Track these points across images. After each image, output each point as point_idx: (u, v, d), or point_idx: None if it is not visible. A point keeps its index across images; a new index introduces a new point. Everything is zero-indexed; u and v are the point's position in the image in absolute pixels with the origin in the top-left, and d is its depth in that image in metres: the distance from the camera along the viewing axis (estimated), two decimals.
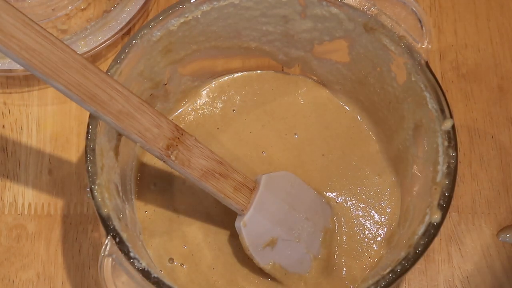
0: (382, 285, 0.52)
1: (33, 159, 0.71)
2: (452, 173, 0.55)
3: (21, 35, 0.48)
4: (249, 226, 0.60)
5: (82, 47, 0.72)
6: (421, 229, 0.54)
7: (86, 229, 0.68)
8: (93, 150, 0.55)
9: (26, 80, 0.73)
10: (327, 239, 0.64)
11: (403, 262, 0.53)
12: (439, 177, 0.56)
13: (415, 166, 0.62)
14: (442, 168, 0.56)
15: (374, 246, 0.64)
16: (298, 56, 0.68)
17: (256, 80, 0.71)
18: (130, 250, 0.52)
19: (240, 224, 0.60)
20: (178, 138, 0.56)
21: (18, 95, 0.73)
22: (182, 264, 0.63)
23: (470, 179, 0.71)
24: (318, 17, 0.63)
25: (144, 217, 0.65)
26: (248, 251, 0.61)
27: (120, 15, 0.73)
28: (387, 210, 0.65)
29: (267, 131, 0.69)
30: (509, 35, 0.76)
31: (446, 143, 0.56)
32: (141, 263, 0.52)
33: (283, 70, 0.71)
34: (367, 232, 0.65)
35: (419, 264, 0.67)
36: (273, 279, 0.63)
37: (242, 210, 0.60)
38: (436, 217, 0.54)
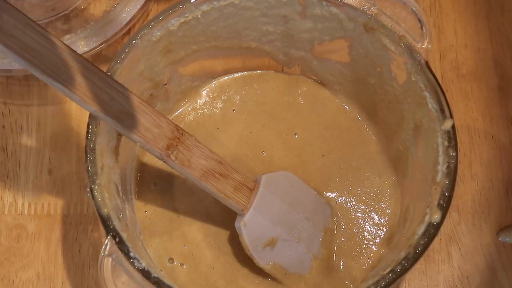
0: (382, 285, 0.52)
1: (33, 159, 0.71)
2: (452, 173, 0.55)
3: (21, 35, 0.48)
4: (249, 226, 0.60)
5: (82, 47, 0.72)
6: (421, 229, 0.54)
7: (86, 229, 0.68)
8: (93, 150, 0.55)
9: (26, 80, 0.73)
10: (327, 239, 0.64)
11: (403, 262, 0.53)
12: (439, 177, 0.56)
13: (415, 166, 0.62)
14: (442, 168, 0.56)
15: (374, 246, 0.64)
16: (298, 56, 0.68)
17: (256, 80, 0.71)
18: (130, 250, 0.52)
19: (240, 224, 0.60)
20: (178, 138, 0.56)
21: (18, 95, 0.73)
22: (182, 264, 0.63)
23: (470, 179, 0.71)
24: (318, 17, 0.63)
25: (144, 217, 0.65)
26: (248, 251, 0.61)
27: (120, 15, 0.73)
28: (387, 210, 0.65)
29: (267, 131, 0.69)
30: (509, 35, 0.76)
31: (446, 143, 0.56)
32: (141, 263, 0.52)
33: (283, 70, 0.71)
34: (367, 232, 0.65)
35: (419, 264, 0.67)
36: (273, 279, 0.63)
37: (242, 210, 0.60)
38: (436, 217, 0.54)
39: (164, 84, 0.66)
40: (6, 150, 0.71)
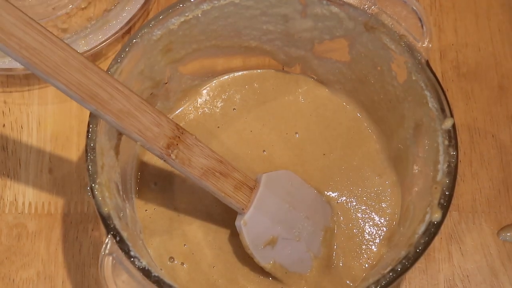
0: (382, 284, 0.52)
1: (33, 158, 0.71)
2: (453, 172, 0.55)
3: (22, 34, 0.48)
4: (250, 225, 0.60)
5: (82, 46, 0.72)
6: (422, 228, 0.54)
7: (86, 228, 0.68)
8: (94, 149, 0.55)
9: (27, 79, 0.74)
10: (327, 238, 0.64)
11: (404, 261, 0.53)
12: (439, 176, 0.56)
13: (415, 165, 0.62)
14: (442, 167, 0.56)
15: (374, 245, 0.64)
16: (299, 55, 0.68)
17: (256, 79, 0.71)
18: (131, 249, 0.52)
19: (241, 223, 0.60)
20: (179, 137, 0.56)
21: (18, 94, 0.73)
22: (182, 263, 0.63)
23: (470, 178, 0.71)
24: (319, 16, 0.63)
25: (144, 216, 0.65)
26: (248, 250, 0.61)
27: (121, 14, 0.73)
28: (388, 210, 0.65)
29: (268, 130, 0.69)
30: (510, 34, 0.77)
31: (446, 142, 0.56)
32: (141, 262, 0.52)
33: (283, 69, 0.71)
34: (367, 231, 0.65)
35: (420, 263, 0.67)
36: (274, 278, 0.63)
37: (243, 209, 0.60)
38: (437, 216, 0.54)
39: (164, 83, 0.66)
40: (7, 149, 0.71)
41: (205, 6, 0.61)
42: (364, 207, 0.66)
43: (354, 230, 0.65)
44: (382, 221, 0.65)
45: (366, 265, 0.63)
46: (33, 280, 0.67)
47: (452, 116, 0.57)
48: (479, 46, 0.76)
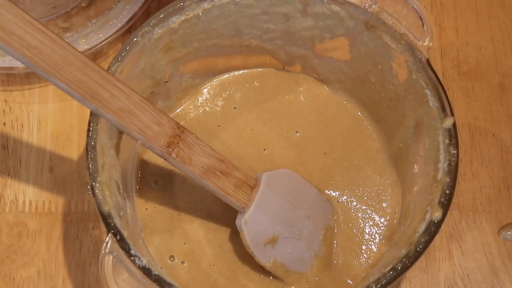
0: (383, 283, 0.52)
1: (34, 157, 0.71)
2: (453, 171, 0.55)
3: (22, 32, 0.48)
4: (250, 224, 0.60)
5: (83, 45, 0.72)
6: (422, 227, 0.54)
7: (87, 227, 0.68)
8: (94, 147, 0.55)
9: (27, 77, 0.74)
10: (328, 237, 0.64)
11: (404, 259, 0.53)
12: (440, 175, 0.56)
13: (416, 164, 0.62)
14: (443, 166, 0.56)
15: (375, 244, 0.64)
16: (299, 54, 0.68)
17: (257, 78, 0.71)
18: (131, 247, 0.52)
19: (241, 221, 0.60)
20: (179, 136, 0.56)
21: (19, 92, 0.73)
22: (183, 262, 0.63)
23: (471, 177, 0.71)
24: (319, 15, 0.63)
25: (145, 214, 0.65)
26: (249, 249, 0.61)
27: (121, 12, 0.73)
28: (388, 209, 0.65)
29: (268, 129, 0.69)
30: (510, 33, 0.77)
31: (447, 141, 0.56)
32: (141, 261, 0.52)
33: (284, 68, 0.71)
34: (368, 230, 0.65)
35: (420, 262, 0.67)
36: (274, 277, 0.63)
37: (243, 208, 0.60)
38: (437, 214, 0.54)
39: (165, 82, 0.66)
40: (7, 148, 0.71)
41: (205, 5, 0.61)
42: (364, 206, 0.66)
43: (355, 229, 0.65)
44: (382, 220, 0.65)
45: (367, 264, 0.63)
46: (34, 279, 0.67)
47: (452, 114, 0.57)
48: (480, 45, 0.76)
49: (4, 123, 0.72)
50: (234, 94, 0.70)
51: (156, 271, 0.52)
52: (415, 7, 0.59)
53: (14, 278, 0.67)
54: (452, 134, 0.56)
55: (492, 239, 0.68)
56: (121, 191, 0.59)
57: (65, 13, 0.75)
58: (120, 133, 0.59)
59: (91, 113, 0.55)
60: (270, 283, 0.63)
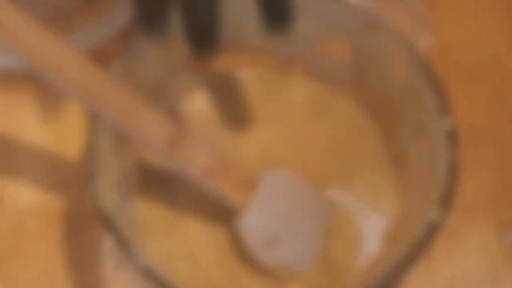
0: (382, 284, 0.53)
1: (34, 157, 0.71)
2: (453, 171, 0.56)
3: (23, 33, 0.49)
4: (250, 224, 0.61)
5: (83, 45, 0.72)
6: (422, 228, 0.55)
7: (87, 228, 0.68)
8: (94, 147, 0.56)
9: (28, 78, 0.74)
10: (327, 237, 0.64)
11: (404, 260, 0.53)
12: (439, 175, 0.56)
13: (415, 165, 0.63)
14: (443, 166, 0.56)
15: (374, 245, 0.64)
16: (299, 54, 0.69)
17: (256, 78, 0.71)
18: (131, 247, 0.53)
19: (241, 222, 0.60)
20: (179, 136, 0.57)
21: (19, 92, 0.74)
22: (183, 262, 0.64)
23: (471, 177, 0.71)
24: (318, 14, 0.63)
25: (145, 214, 0.65)
26: (248, 249, 0.61)
27: (122, 12, 0.74)
28: (388, 210, 0.66)
29: (268, 129, 0.69)
30: (511, 33, 0.77)
31: (446, 141, 0.57)
32: (141, 261, 0.53)
33: (283, 67, 0.72)
34: (367, 231, 0.65)
35: (419, 263, 0.67)
36: (274, 276, 0.63)
37: (243, 208, 0.60)
38: (437, 215, 0.54)
39: (165, 81, 0.66)
40: (8, 148, 0.71)
41: None
42: (364, 206, 0.66)
43: (354, 230, 0.65)
44: (382, 220, 0.65)
45: (366, 265, 0.64)
46: (34, 280, 0.67)
47: (452, 115, 0.57)
48: (480, 45, 0.77)
49: (4, 124, 0.73)
50: (232, 93, 0.71)
51: (156, 271, 0.52)
52: (415, 7, 0.60)
53: (14, 279, 0.67)
54: (452, 134, 0.57)
55: (493, 240, 0.69)
56: (121, 191, 0.60)
57: (65, 13, 0.75)
58: (120, 133, 0.59)
59: (91, 113, 0.56)
60: (269, 283, 0.64)
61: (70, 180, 0.70)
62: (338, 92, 0.70)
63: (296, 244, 0.63)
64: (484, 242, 0.69)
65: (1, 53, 0.70)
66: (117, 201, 0.57)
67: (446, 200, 0.55)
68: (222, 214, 0.65)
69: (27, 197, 0.70)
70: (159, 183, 0.67)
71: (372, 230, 0.65)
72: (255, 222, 0.61)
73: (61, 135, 0.72)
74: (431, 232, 0.54)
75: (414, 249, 0.54)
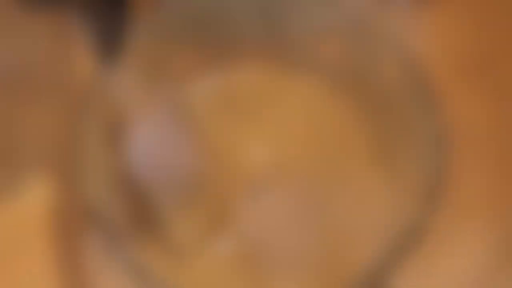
0: (371, 284, 0.54)
1: (34, 158, 0.72)
2: (442, 172, 0.57)
3: None
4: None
5: None
6: (411, 228, 0.56)
7: (87, 228, 0.69)
8: (87, 143, 0.57)
9: (28, 78, 0.74)
10: (317, 237, 0.65)
11: (393, 261, 0.55)
12: (430, 176, 0.57)
13: (408, 165, 0.63)
14: (430, 167, 0.58)
15: (366, 245, 0.65)
16: (293, 53, 0.70)
17: (250, 76, 0.72)
18: (119, 244, 0.54)
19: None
20: None
21: (19, 93, 0.74)
22: (174, 259, 0.64)
23: (471, 177, 0.71)
24: (312, 13, 0.64)
25: (135, 210, 0.65)
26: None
27: None
28: (381, 210, 0.66)
29: (260, 127, 0.70)
30: (511, 34, 0.78)
31: (439, 142, 0.58)
32: (134, 258, 0.54)
33: (278, 67, 0.72)
34: (359, 232, 0.66)
35: (418, 263, 0.68)
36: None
37: None
38: (425, 215, 0.55)
39: None
40: (8, 149, 0.72)
41: None
42: (356, 207, 0.67)
43: (346, 231, 0.66)
44: (374, 221, 0.66)
45: (358, 266, 0.64)
46: (34, 280, 0.68)
47: (442, 115, 0.58)
48: (481, 45, 0.77)
49: (5, 124, 0.73)
50: (227, 91, 0.72)
51: (144, 268, 0.54)
52: (407, 6, 0.60)
53: (14, 279, 0.68)
54: (443, 135, 0.58)
55: (493, 239, 0.69)
56: (115, 188, 0.61)
57: None
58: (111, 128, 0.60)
59: (84, 108, 0.57)
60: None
61: (71, 179, 0.71)
62: (333, 90, 0.71)
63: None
64: (483, 242, 0.69)
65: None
66: (110, 197, 0.58)
67: (437, 200, 0.56)
68: None
69: (27, 197, 0.71)
70: None
71: (364, 231, 0.66)
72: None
73: (62, 134, 0.73)
74: (421, 232, 0.55)
75: (402, 249, 0.55)
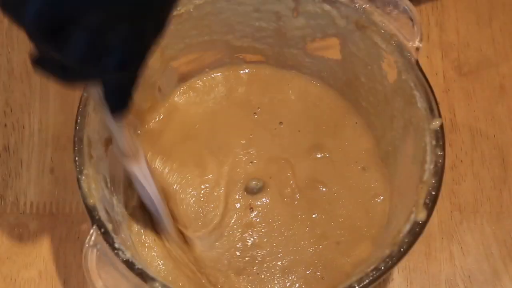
0: (365, 283, 0.54)
1: (35, 158, 0.73)
2: (439, 172, 0.57)
3: None
4: None
5: None
6: (407, 228, 0.55)
7: (88, 228, 0.68)
8: (81, 140, 0.58)
9: (28, 79, 0.76)
10: (317, 238, 0.67)
11: (387, 260, 0.54)
12: (426, 176, 0.57)
13: (403, 165, 0.64)
14: (429, 167, 0.57)
15: (361, 243, 0.65)
16: (291, 53, 0.70)
17: (248, 75, 0.73)
18: (115, 241, 0.55)
19: None
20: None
21: (20, 94, 0.76)
22: (166, 256, 0.65)
23: (472, 177, 0.73)
24: (311, 14, 0.65)
25: (131, 209, 0.66)
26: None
27: None
28: (376, 209, 0.67)
29: (257, 126, 0.71)
30: (511, 34, 0.78)
31: (434, 142, 0.58)
32: (125, 254, 0.54)
33: (275, 66, 0.73)
34: (355, 230, 0.66)
35: (421, 263, 0.69)
36: None
37: None
38: (422, 215, 0.55)
39: (155, 79, 0.68)
40: (8, 149, 0.73)
41: (197, 1, 0.64)
42: (352, 206, 0.67)
43: (344, 225, 0.66)
44: (369, 220, 0.66)
45: (353, 263, 0.65)
46: (35, 280, 0.69)
47: (440, 116, 0.58)
48: (481, 46, 0.78)
49: (5, 125, 0.74)
50: (224, 90, 0.72)
51: (139, 264, 0.54)
52: (406, 7, 0.60)
53: (15, 280, 0.69)
54: (439, 135, 0.58)
55: (493, 240, 0.70)
56: (109, 185, 0.61)
57: None
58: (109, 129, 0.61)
59: (79, 107, 0.58)
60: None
61: (71, 181, 0.72)
62: (328, 91, 0.72)
63: None
64: (485, 243, 0.70)
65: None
66: (104, 194, 0.59)
67: (431, 201, 0.56)
68: None
69: (28, 198, 0.72)
70: None
71: (359, 229, 0.66)
72: None
73: (62, 136, 0.74)
74: (415, 232, 0.55)
75: (397, 249, 0.54)
